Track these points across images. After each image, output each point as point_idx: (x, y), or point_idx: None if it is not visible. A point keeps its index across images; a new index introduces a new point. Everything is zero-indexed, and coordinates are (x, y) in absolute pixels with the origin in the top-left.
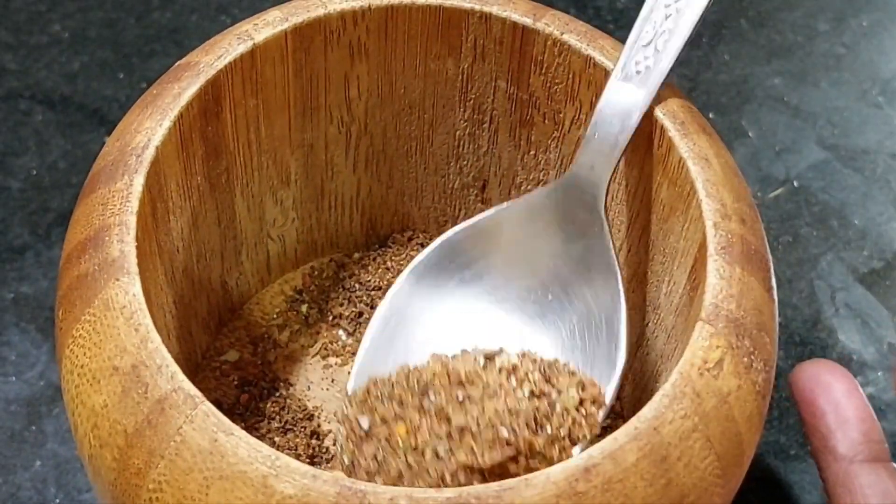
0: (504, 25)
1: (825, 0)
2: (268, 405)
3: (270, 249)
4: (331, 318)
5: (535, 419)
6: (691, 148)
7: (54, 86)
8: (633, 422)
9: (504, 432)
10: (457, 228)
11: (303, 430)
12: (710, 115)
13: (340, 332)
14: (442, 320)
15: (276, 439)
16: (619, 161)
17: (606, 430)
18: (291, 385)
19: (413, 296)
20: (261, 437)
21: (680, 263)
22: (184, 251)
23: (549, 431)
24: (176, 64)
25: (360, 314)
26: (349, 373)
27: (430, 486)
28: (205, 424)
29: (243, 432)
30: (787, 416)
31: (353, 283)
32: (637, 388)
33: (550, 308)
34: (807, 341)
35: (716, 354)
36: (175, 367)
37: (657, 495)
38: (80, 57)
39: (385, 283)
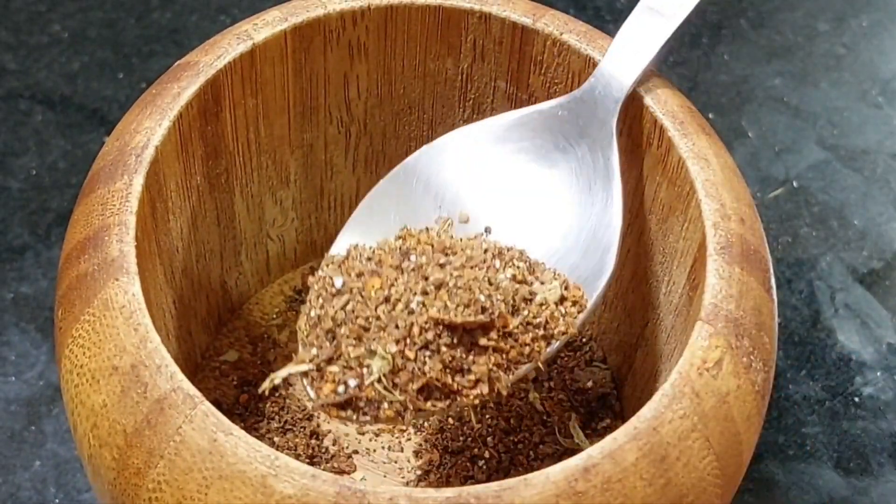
0: (503, 25)
1: (825, 0)
2: (267, 405)
3: (270, 249)
4: None
5: (514, 300)
6: (691, 148)
7: (54, 86)
8: (633, 421)
9: (482, 298)
10: (453, 134)
11: (302, 430)
12: (710, 116)
13: None
14: (431, 209)
15: (276, 439)
16: (639, 77)
17: (606, 430)
18: (291, 385)
19: (402, 186)
20: (260, 437)
21: (679, 263)
22: (183, 251)
23: (525, 314)
24: (175, 64)
25: None
26: None
27: (395, 341)
28: (204, 424)
29: (242, 432)
30: (786, 416)
31: None
32: (637, 388)
33: (544, 214)
34: (806, 341)
35: (715, 354)
36: (174, 367)
37: (656, 495)
38: (80, 57)
39: None
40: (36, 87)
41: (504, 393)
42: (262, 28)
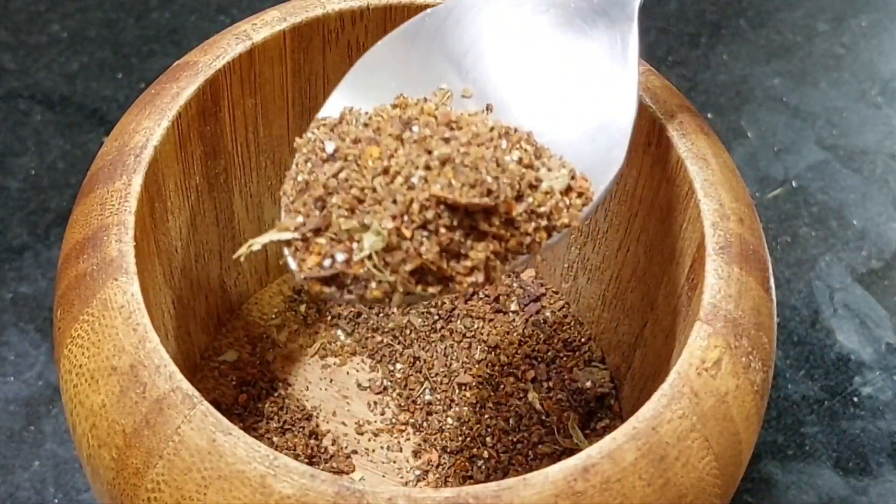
0: None
1: (825, 0)
2: (266, 405)
3: (269, 249)
4: (329, 318)
5: (520, 186)
6: (690, 148)
7: (53, 86)
8: (632, 421)
9: (488, 179)
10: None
11: (301, 430)
12: (709, 116)
13: (339, 332)
14: (431, 79)
15: (275, 439)
16: None
17: (605, 429)
18: (290, 385)
19: (402, 51)
20: (259, 437)
21: (678, 263)
22: (182, 251)
23: (530, 202)
24: (174, 64)
25: (359, 314)
26: (348, 372)
27: (392, 217)
28: (203, 424)
29: (241, 432)
30: (785, 416)
31: None
32: (635, 388)
33: (553, 98)
34: (805, 341)
35: (714, 354)
36: (173, 367)
37: (655, 495)
38: (80, 57)
39: None
40: (35, 86)
41: (497, 283)
42: (261, 28)
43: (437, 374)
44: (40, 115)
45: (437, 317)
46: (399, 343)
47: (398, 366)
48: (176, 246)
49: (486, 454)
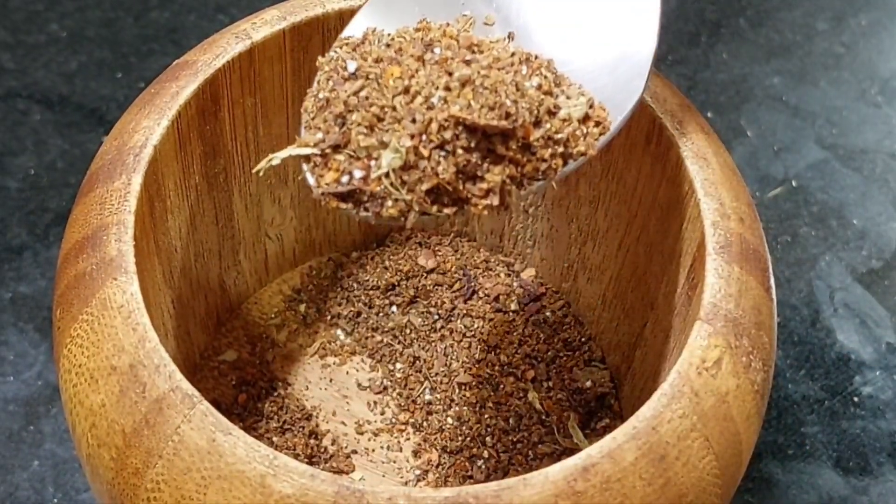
0: None
1: None
2: (266, 405)
3: (268, 249)
4: (329, 317)
5: (538, 111)
6: (690, 147)
7: (52, 85)
8: (632, 421)
9: (508, 102)
10: None
11: (301, 429)
12: (709, 115)
13: (339, 331)
14: (454, 4)
15: (275, 439)
16: None
17: (605, 429)
18: (290, 385)
19: None
20: (259, 437)
21: (678, 263)
22: (182, 250)
23: (548, 128)
24: (174, 63)
25: (359, 314)
26: (348, 372)
27: (410, 136)
28: (203, 424)
29: (241, 432)
30: (785, 416)
31: (351, 282)
32: (636, 387)
33: (574, 27)
34: (805, 341)
35: (714, 354)
36: (173, 367)
37: (655, 495)
38: (78, 56)
39: (383, 282)
40: (34, 86)
41: (512, 207)
42: (260, 27)
43: (436, 374)
44: (39, 115)
45: (437, 317)
46: (399, 343)
47: (398, 365)
48: (175, 245)
49: (486, 454)
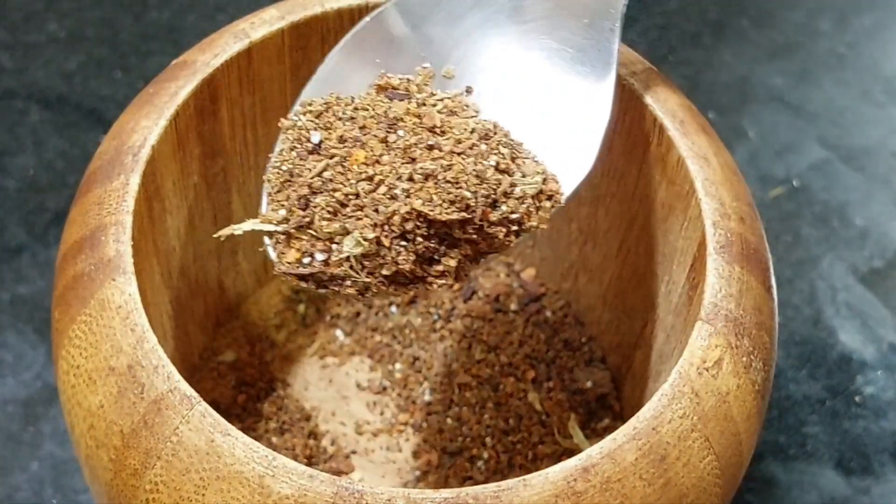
0: None
1: None
2: (265, 405)
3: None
4: (328, 318)
5: (495, 195)
6: (690, 147)
7: (51, 85)
8: (632, 422)
9: (468, 195)
10: None
11: (300, 430)
12: (711, 115)
13: (338, 332)
14: (414, 57)
15: (274, 440)
16: None
17: (605, 430)
18: (289, 385)
19: (388, 28)
20: (258, 438)
21: (679, 263)
22: (180, 251)
23: (503, 210)
24: (173, 62)
25: (358, 314)
26: (347, 372)
27: (374, 225)
28: (201, 425)
29: (240, 433)
30: (786, 416)
31: None
32: (636, 387)
33: (531, 88)
34: (807, 341)
35: (715, 354)
36: (171, 368)
37: (656, 495)
38: (77, 56)
39: None
40: (33, 86)
41: (465, 280)
42: (259, 26)
43: (436, 375)
44: (38, 115)
45: (437, 317)
46: (398, 343)
47: (397, 366)
48: (174, 246)
49: (485, 455)
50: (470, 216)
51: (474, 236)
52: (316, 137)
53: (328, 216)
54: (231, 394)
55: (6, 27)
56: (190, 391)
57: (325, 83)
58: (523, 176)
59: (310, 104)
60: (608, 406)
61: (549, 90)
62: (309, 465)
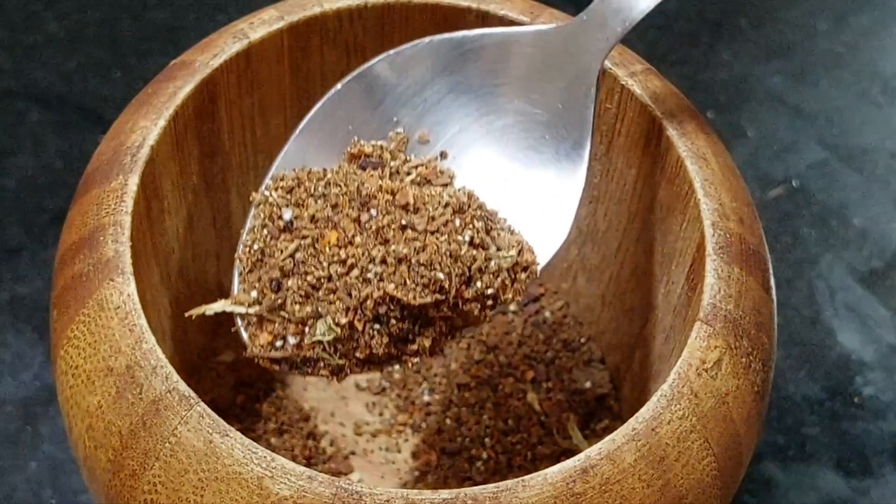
0: (501, 23)
1: None
2: (264, 406)
3: None
4: None
5: (470, 271)
6: (689, 147)
7: (50, 85)
8: (631, 422)
9: (441, 276)
10: (420, 43)
11: (299, 431)
12: (710, 115)
13: None
14: (387, 123)
15: (273, 440)
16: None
17: (604, 430)
18: (288, 386)
19: (360, 94)
20: (257, 439)
21: (678, 263)
22: (179, 251)
23: (478, 286)
24: (172, 63)
25: None
26: None
27: (346, 309)
28: (200, 425)
29: (238, 433)
30: (785, 417)
31: None
32: (635, 388)
33: (506, 157)
34: (806, 341)
35: (714, 355)
36: (170, 368)
37: (655, 496)
38: (76, 56)
39: None
40: (32, 86)
41: (441, 354)
42: (258, 27)
43: (435, 375)
44: (37, 115)
45: None
46: None
47: (397, 366)
48: (173, 246)
49: (484, 455)
50: (444, 297)
51: (449, 314)
52: (287, 214)
53: (300, 299)
54: (230, 394)
55: (6, 27)
56: (188, 392)
57: (297, 155)
58: (498, 249)
59: (281, 179)
60: (607, 406)
61: (524, 155)
62: (308, 465)
